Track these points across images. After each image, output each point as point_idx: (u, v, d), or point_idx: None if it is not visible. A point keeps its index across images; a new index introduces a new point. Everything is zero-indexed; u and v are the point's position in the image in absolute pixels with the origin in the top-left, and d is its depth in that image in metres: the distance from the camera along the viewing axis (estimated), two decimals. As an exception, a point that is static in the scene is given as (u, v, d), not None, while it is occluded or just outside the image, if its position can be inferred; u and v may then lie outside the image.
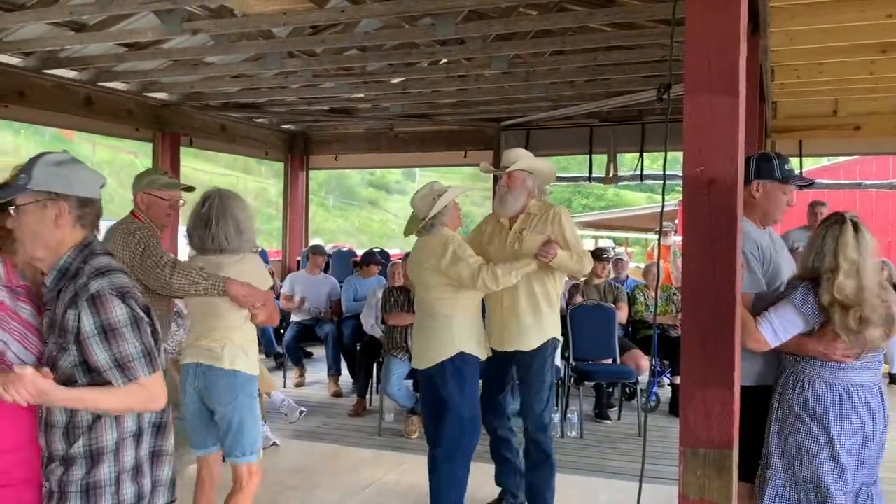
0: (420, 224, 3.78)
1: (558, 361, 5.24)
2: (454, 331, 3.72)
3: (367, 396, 6.60)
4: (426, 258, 3.75)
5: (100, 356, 1.90)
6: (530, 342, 3.87)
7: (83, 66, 6.96)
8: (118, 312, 1.91)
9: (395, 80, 7.78)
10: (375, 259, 7.96)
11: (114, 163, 22.63)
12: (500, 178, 3.98)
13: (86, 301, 1.90)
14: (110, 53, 6.67)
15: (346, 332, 7.26)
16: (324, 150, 10.94)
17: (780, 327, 2.70)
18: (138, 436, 2.03)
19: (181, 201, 3.60)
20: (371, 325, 6.62)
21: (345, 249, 12.02)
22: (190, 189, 3.60)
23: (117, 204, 12.26)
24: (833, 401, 2.72)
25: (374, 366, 6.64)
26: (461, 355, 3.70)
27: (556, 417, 5.54)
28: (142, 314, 1.97)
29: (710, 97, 1.86)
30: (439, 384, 3.73)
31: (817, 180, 9.78)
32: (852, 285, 2.65)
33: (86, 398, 1.92)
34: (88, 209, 2.03)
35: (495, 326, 3.96)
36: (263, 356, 7.65)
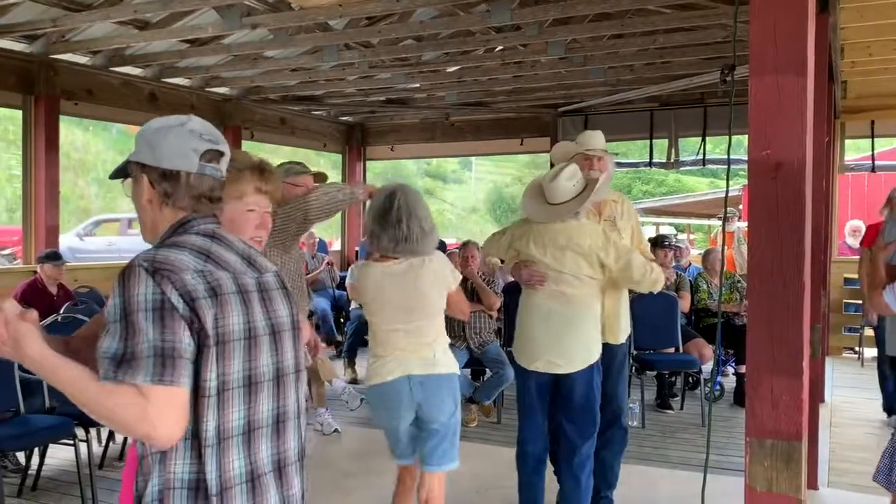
0: (565, 208, 3.33)
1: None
2: (597, 330, 3.46)
3: (427, 385, 6.64)
4: (590, 247, 3.32)
5: (103, 340, 1.39)
6: (627, 332, 3.82)
7: (147, 63, 7.17)
8: (140, 291, 1.38)
9: (451, 69, 7.77)
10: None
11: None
12: (590, 162, 3.63)
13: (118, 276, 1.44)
14: (173, 50, 6.85)
15: (405, 321, 7.27)
16: (380, 141, 11.04)
17: None
18: (196, 492, 1.44)
19: None
20: (429, 313, 6.63)
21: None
22: (322, 176, 3.65)
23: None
24: None
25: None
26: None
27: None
28: (177, 303, 1.39)
29: (777, 78, 1.80)
30: (584, 386, 3.40)
31: (891, 162, 9.40)
32: None
33: (59, 369, 1.39)
34: (170, 184, 1.54)
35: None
36: (325, 344, 7.76)
